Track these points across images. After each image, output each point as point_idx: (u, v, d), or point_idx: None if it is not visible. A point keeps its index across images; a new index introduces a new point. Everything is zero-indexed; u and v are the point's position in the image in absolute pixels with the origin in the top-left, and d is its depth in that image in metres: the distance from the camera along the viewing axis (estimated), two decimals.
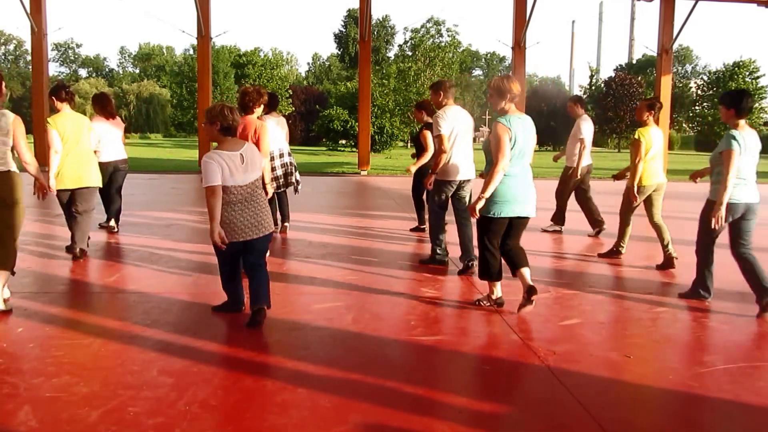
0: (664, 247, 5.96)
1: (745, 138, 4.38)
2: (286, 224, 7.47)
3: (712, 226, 4.43)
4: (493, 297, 4.52)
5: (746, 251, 4.50)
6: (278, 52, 69.39)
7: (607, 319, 4.44)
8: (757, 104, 55.11)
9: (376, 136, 35.32)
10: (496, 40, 45.39)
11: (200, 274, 5.46)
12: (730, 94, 4.59)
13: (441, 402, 3.01)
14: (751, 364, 3.57)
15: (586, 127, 7.59)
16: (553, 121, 55.68)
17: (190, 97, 51.88)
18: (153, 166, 19.81)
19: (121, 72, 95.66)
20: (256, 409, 2.87)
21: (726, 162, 4.32)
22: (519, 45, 17.88)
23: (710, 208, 4.49)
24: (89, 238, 6.10)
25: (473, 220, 4.68)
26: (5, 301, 4.18)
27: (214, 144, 4.08)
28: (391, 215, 9.36)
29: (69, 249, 5.97)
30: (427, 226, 7.70)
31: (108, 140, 7.23)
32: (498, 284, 4.51)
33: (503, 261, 4.43)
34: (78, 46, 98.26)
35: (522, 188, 4.27)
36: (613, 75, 59.07)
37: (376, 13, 66.13)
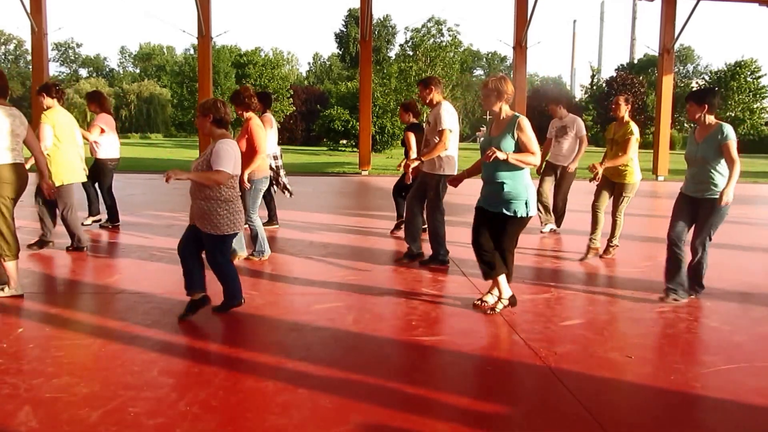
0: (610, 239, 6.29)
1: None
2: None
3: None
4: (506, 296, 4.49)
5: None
6: (279, 52, 69.33)
7: (609, 319, 4.43)
8: (758, 104, 55.12)
9: (377, 136, 35.31)
10: (497, 40, 45.38)
11: None
12: (700, 91, 4.68)
13: (442, 402, 3.00)
14: (751, 364, 3.56)
15: (583, 126, 7.63)
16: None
17: (190, 97, 51.86)
18: (153, 166, 19.81)
19: (121, 72, 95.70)
20: (257, 409, 2.86)
21: (733, 152, 4.39)
22: (520, 45, 17.88)
23: (714, 205, 4.48)
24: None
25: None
26: None
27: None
28: (392, 215, 9.34)
29: (77, 248, 6.01)
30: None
31: (107, 138, 7.30)
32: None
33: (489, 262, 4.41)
34: (78, 45, 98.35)
35: None
36: (614, 75, 59.02)
37: (377, 13, 66.13)
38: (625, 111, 6.11)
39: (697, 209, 4.62)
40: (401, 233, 7.61)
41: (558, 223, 7.92)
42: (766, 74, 54.93)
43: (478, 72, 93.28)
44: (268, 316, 4.26)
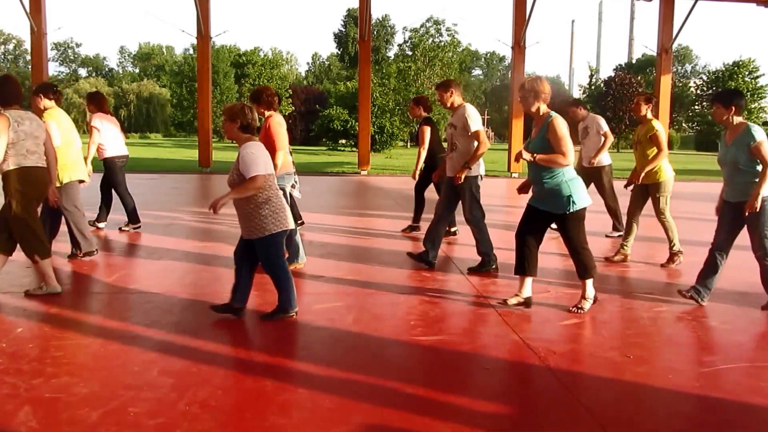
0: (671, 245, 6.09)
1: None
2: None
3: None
4: (590, 296, 4.50)
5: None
6: (278, 52, 69.40)
7: (608, 318, 4.44)
8: (756, 104, 55.19)
9: (376, 136, 35.33)
10: (495, 40, 45.49)
11: (201, 274, 5.45)
12: (727, 92, 4.65)
13: (441, 402, 3.01)
14: (751, 364, 3.57)
15: (604, 122, 7.68)
16: None
17: (189, 97, 51.85)
18: (153, 166, 19.81)
19: (120, 72, 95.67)
20: (257, 409, 2.87)
21: (765, 152, 4.27)
22: (519, 44, 17.90)
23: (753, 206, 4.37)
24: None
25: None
26: None
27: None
28: (392, 215, 9.36)
29: (87, 253, 5.90)
30: (420, 225, 7.68)
31: (111, 136, 7.29)
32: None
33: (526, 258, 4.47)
34: (78, 45, 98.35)
35: None
36: (612, 75, 59.09)
37: (376, 13, 66.11)
38: (646, 110, 6.06)
39: (740, 214, 4.47)
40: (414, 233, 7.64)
41: (617, 225, 7.70)
42: (764, 74, 55.11)
43: (477, 72, 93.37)
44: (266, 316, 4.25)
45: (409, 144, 48.99)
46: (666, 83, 18.46)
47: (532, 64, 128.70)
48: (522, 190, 4.66)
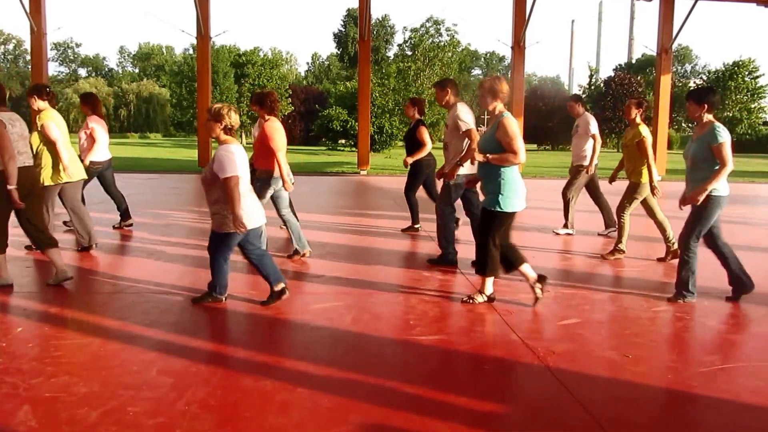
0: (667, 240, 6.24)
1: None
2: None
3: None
4: (487, 293, 4.60)
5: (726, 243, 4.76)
6: (278, 52, 69.31)
7: (606, 318, 4.44)
8: (756, 104, 55.18)
9: (376, 136, 35.32)
10: (495, 40, 45.50)
11: (200, 273, 5.45)
12: (701, 90, 4.69)
13: (440, 401, 3.01)
14: (750, 363, 3.57)
15: (594, 124, 7.63)
16: (551, 120, 55.69)
17: (189, 97, 51.83)
18: (152, 166, 19.81)
19: (120, 71, 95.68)
20: (256, 408, 2.87)
21: (725, 154, 4.39)
22: (518, 44, 17.90)
23: (701, 203, 4.50)
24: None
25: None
26: None
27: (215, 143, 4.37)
28: (391, 215, 9.36)
29: (87, 247, 6.11)
30: (420, 225, 7.79)
31: (104, 140, 7.26)
32: (491, 280, 4.61)
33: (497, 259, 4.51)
34: (77, 45, 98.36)
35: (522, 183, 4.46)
36: (612, 74, 59.11)
37: (376, 13, 66.13)
38: (636, 114, 6.17)
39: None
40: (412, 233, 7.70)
41: (608, 223, 7.75)
42: (763, 74, 55.06)
43: (477, 72, 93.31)
44: (266, 316, 4.26)
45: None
46: (666, 83, 18.47)
47: (532, 64, 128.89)
48: (470, 183, 4.81)
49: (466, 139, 5.47)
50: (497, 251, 4.44)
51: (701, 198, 4.44)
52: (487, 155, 4.28)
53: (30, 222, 4.78)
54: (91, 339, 3.72)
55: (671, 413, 2.95)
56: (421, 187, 7.80)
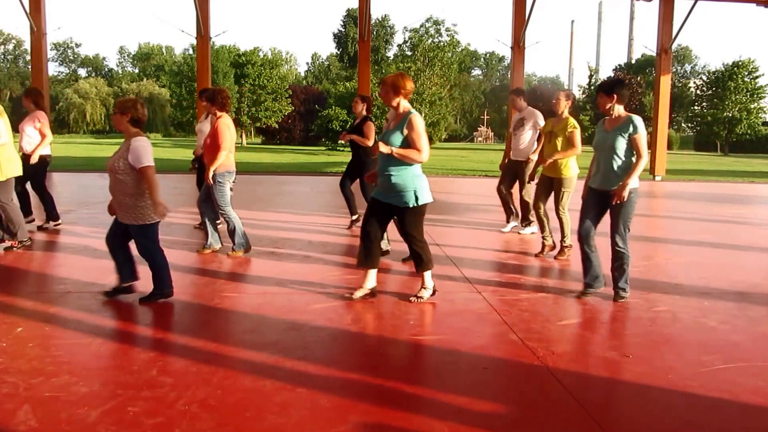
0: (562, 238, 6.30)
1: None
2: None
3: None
4: (429, 286, 4.69)
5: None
6: (277, 52, 69.39)
7: (606, 318, 4.44)
8: (755, 104, 55.19)
9: (375, 136, 35.27)
10: (495, 40, 45.50)
11: (199, 274, 5.45)
12: (610, 81, 4.72)
13: (439, 401, 3.01)
14: (750, 363, 3.57)
15: (542, 119, 7.35)
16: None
17: (189, 97, 51.78)
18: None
19: (120, 72, 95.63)
20: (256, 408, 2.87)
21: (642, 145, 4.48)
22: (518, 44, 17.90)
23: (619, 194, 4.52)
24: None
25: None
26: None
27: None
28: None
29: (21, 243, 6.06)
30: (359, 215, 7.73)
31: (49, 134, 7.43)
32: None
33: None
34: (77, 45, 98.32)
35: None
36: (612, 75, 59.13)
37: (376, 13, 66.14)
38: (565, 107, 6.25)
39: (606, 202, 4.64)
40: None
41: (524, 221, 7.68)
42: (763, 74, 55.10)
43: (476, 72, 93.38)
44: (266, 315, 4.26)
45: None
46: (665, 83, 18.47)
47: (532, 64, 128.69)
48: (370, 178, 4.81)
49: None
50: (426, 243, 4.58)
51: (626, 193, 4.48)
52: (392, 149, 4.32)
53: None
54: (91, 339, 3.72)
55: (671, 413, 2.95)
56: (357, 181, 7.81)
